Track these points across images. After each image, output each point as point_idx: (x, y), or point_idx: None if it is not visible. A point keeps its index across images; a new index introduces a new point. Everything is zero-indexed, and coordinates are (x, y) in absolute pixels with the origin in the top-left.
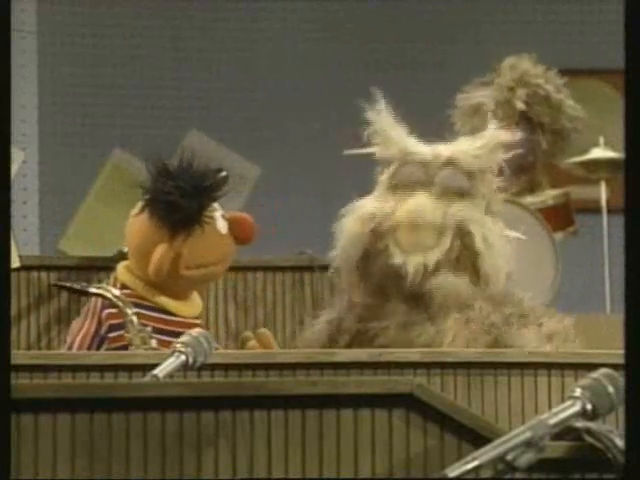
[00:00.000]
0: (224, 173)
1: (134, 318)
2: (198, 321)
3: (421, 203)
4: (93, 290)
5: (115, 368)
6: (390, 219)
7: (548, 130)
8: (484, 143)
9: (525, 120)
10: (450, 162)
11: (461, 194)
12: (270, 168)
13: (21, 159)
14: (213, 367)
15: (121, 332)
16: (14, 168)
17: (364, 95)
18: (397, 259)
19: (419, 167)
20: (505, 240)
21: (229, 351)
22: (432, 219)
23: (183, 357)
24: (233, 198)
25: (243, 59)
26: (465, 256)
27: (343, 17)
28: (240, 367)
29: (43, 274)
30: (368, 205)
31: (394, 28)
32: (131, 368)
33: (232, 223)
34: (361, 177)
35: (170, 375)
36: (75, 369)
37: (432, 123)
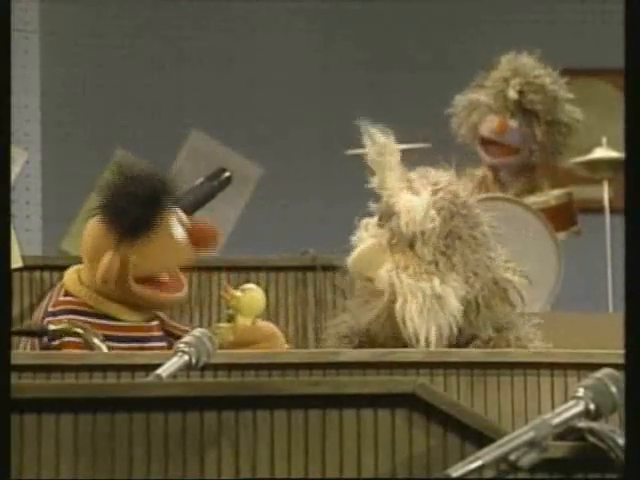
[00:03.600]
0: (227, 173)
1: (102, 346)
2: (153, 323)
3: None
4: (53, 328)
5: (118, 368)
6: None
7: (543, 120)
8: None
9: (520, 112)
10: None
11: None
12: (273, 168)
13: (24, 159)
14: (216, 367)
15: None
16: (17, 168)
17: (366, 95)
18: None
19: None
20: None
21: (232, 351)
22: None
23: (186, 357)
24: (235, 198)
25: (246, 59)
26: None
27: (345, 17)
28: (243, 367)
29: (46, 274)
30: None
31: (396, 28)
32: (134, 368)
33: (192, 230)
34: (364, 177)
35: (173, 375)
36: (78, 369)
37: (432, 123)
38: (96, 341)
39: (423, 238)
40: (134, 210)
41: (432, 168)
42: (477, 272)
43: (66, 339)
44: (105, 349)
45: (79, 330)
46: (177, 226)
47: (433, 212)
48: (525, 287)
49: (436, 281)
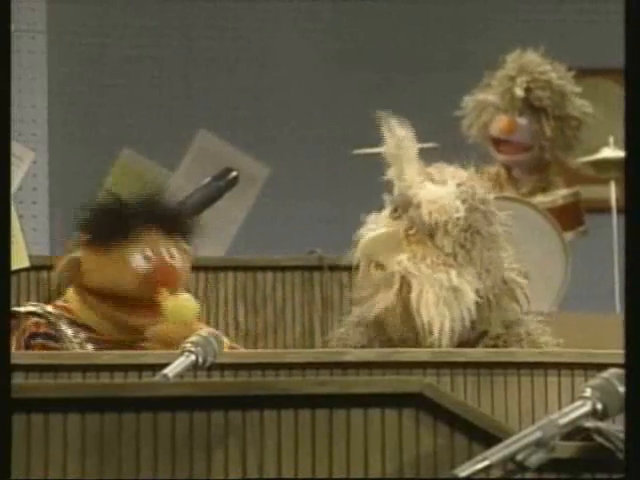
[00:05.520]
0: (234, 173)
1: (68, 331)
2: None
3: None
4: (23, 310)
5: (125, 368)
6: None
7: (552, 116)
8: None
9: (529, 109)
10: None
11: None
12: (280, 168)
13: (31, 159)
14: (223, 367)
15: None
16: (24, 168)
17: (373, 96)
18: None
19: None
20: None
21: (239, 351)
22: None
23: (193, 357)
24: (242, 198)
25: (253, 58)
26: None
27: (354, 16)
28: (250, 367)
29: (53, 274)
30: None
31: (405, 28)
32: (141, 368)
33: (155, 265)
34: (371, 176)
35: (180, 375)
36: (85, 369)
37: (441, 124)
38: (64, 328)
39: (445, 228)
40: (108, 218)
41: (448, 165)
42: (489, 269)
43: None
44: (70, 334)
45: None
46: (139, 256)
47: (458, 203)
48: (529, 289)
49: (453, 273)
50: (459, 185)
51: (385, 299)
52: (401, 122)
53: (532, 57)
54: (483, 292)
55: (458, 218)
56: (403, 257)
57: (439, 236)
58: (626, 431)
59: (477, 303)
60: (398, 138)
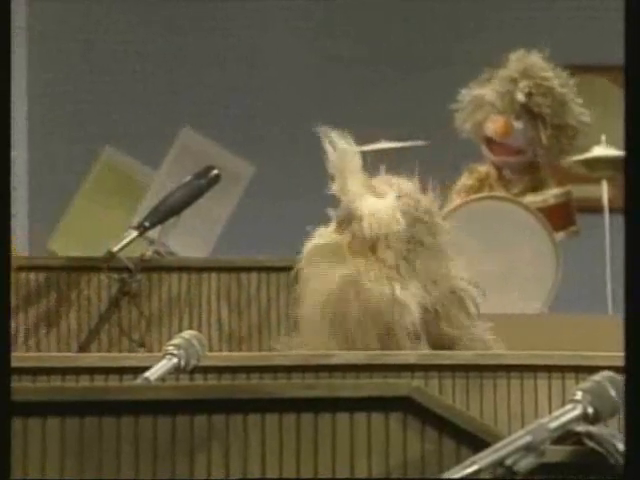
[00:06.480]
0: (216, 171)
1: None
2: None
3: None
4: None
5: (106, 371)
6: None
7: (549, 124)
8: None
9: (527, 114)
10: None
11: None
12: (266, 167)
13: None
14: (206, 370)
15: None
16: None
17: (361, 93)
18: None
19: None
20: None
21: (222, 353)
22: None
23: (175, 360)
24: (226, 197)
25: (242, 55)
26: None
27: (344, 14)
28: (234, 370)
29: (32, 275)
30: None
31: (397, 24)
32: (122, 371)
33: None
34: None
35: (162, 378)
36: (65, 372)
37: (435, 120)
38: None
39: (387, 241)
40: None
41: (396, 175)
42: (436, 280)
43: None
44: None
45: None
46: None
47: (399, 215)
48: (519, 290)
49: (397, 286)
50: (400, 197)
51: (327, 311)
52: (343, 135)
53: (536, 60)
54: (430, 304)
55: (399, 230)
56: (346, 270)
57: (381, 249)
58: (626, 431)
59: (423, 316)
60: (340, 151)
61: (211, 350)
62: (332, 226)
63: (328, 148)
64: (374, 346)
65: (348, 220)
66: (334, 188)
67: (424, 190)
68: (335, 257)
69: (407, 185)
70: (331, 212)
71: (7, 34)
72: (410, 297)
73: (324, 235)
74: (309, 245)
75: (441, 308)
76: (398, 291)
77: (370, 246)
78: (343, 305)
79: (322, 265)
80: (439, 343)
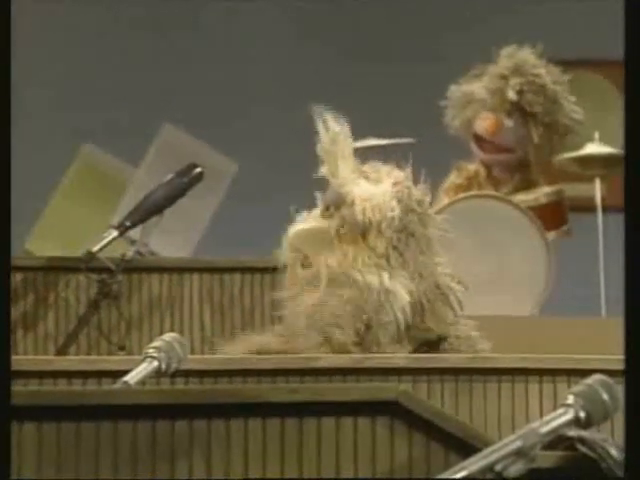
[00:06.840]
0: (199, 169)
1: None
2: None
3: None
4: None
5: (84, 374)
6: None
7: (540, 122)
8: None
9: (518, 111)
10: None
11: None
12: (248, 164)
13: None
14: (187, 373)
15: None
16: None
17: (351, 88)
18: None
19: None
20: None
21: (204, 356)
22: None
23: (156, 363)
24: (209, 196)
25: (220, 50)
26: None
27: (331, 8)
28: (216, 373)
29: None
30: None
31: (385, 19)
32: (101, 374)
33: None
34: None
35: (142, 382)
36: (42, 375)
37: (425, 116)
38: None
39: (379, 228)
40: None
41: (386, 164)
42: (422, 274)
43: None
44: None
45: None
46: None
47: (394, 202)
48: (510, 292)
49: (385, 275)
50: (395, 184)
51: (311, 299)
52: (337, 117)
53: (527, 56)
54: (416, 296)
55: (393, 218)
56: (332, 260)
57: (372, 236)
58: (626, 431)
59: (411, 308)
60: (333, 134)
61: (193, 353)
62: (318, 210)
63: (320, 129)
64: (350, 342)
65: (337, 205)
66: (323, 171)
67: (415, 182)
68: (321, 243)
69: (400, 173)
70: (318, 196)
71: (7, 34)
72: (399, 286)
73: (309, 220)
74: (292, 230)
75: (426, 302)
76: (387, 281)
77: (361, 232)
78: (324, 297)
79: (307, 251)
80: (425, 339)
